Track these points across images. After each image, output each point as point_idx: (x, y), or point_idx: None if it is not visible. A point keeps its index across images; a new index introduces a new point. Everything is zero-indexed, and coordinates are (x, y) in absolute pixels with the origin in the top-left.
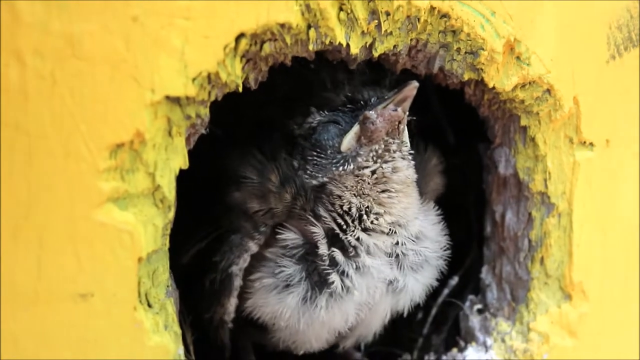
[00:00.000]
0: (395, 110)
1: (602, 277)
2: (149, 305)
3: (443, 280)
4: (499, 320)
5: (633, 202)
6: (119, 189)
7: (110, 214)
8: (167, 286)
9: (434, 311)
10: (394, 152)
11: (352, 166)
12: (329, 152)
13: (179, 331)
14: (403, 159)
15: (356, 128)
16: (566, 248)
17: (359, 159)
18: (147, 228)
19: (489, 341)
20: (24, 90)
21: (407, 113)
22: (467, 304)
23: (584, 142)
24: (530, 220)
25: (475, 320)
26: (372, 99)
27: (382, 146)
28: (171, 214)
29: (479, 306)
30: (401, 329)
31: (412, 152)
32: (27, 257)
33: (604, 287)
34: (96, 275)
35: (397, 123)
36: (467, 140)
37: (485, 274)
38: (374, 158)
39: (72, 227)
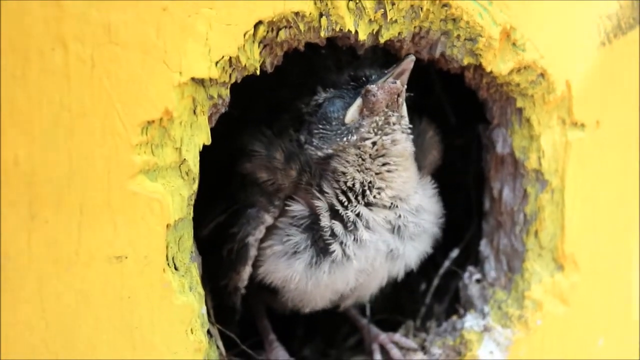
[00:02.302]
0: (395, 82)
1: (592, 249)
2: (176, 269)
3: (445, 253)
4: (496, 289)
5: (621, 178)
6: (149, 162)
7: (142, 184)
8: (191, 252)
9: (435, 282)
10: (394, 124)
11: (355, 137)
12: (334, 123)
13: (203, 293)
14: (402, 132)
15: (359, 101)
16: (559, 222)
17: (362, 130)
18: (174, 197)
19: (487, 309)
20: (67, 72)
21: (406, 86)
22: (467, 274)
23: (576, 123)
24: (526, 196)
25: (474, 290)
26: (373, 75)
27: (383, 118)
28: (195, 186)
29: (478, 276)
30: (405, 299)
31: (410, 126)
32: (69, 223)
33: (594, 258)
34: (130, 239)
35: (396, 96)
36: (467, 121)
37: (484, 247)
38: (375, 130)
39: (109, 196)
